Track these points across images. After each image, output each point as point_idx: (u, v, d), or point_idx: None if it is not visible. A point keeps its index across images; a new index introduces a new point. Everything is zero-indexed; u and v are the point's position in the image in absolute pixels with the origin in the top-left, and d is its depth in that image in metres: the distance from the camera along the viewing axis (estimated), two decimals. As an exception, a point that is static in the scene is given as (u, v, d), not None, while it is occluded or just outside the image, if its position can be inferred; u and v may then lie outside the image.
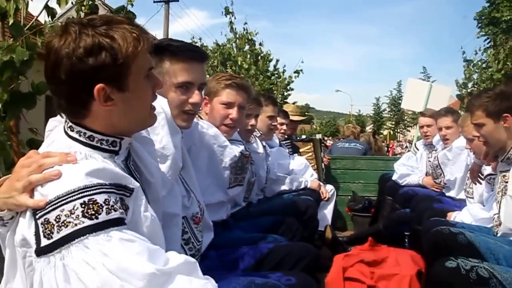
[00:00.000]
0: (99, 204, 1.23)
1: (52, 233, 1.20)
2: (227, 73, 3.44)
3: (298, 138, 7.78)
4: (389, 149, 28.88)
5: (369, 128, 54.36)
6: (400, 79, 58.81)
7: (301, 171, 5.01)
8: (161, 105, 1.86)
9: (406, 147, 29.63)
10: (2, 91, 2.43)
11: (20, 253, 1.29)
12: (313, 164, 5.88)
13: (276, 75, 15.67)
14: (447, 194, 4.92)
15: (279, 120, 5.02)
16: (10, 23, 2.57)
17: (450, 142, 4.82)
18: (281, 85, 14.52)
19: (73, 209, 1.21)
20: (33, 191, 1.30)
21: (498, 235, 2.86)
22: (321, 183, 5.11)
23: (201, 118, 2.78)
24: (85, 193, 1.23)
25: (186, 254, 1.79)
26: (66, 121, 1.46)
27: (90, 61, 1.31)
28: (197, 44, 13.79)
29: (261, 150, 3.80)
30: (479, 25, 30.28)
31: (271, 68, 15.83)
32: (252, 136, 3.71)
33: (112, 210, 1.25)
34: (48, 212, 1.22)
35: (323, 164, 6.27)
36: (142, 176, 1.61)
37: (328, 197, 5.13)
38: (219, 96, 2.88)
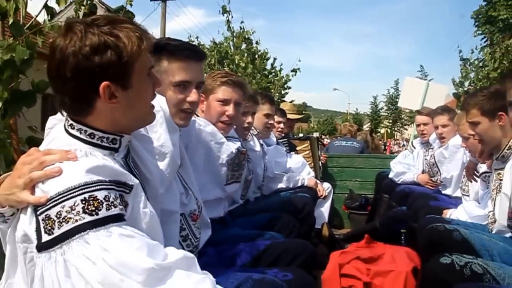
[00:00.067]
0: (99, 201, 1.25)
1: (53, 229, 1.22)
2: (222, 71, 3.46)
3: (295, 136, 7.80)
4: (386, 147, 28.97)
5: (366, 127, 54.42)
6: (398, 78, 58.96)
7: (298, 169, 5.02)
8: (160, 103, 1.87)
9: (403, 145, 29.68)
10: (3, 90, 2.46)
11: (21, 249, 1.31)
12: (310, 162, 5.89)
13: (273, 74, 15.69)
14: (443, 192, 4.94)
15: (276, 118, 5.04)
16: (10, 23, 2.60)
17: (447, 141, 4.84)
18: (279, 83, 14.53)
19: (74, 205, 1.23)
20: (34, 187, 1.32)
21: (493, 232, 2.88)
22: (318, 181, 5.12)
23: (197, 116, 2.81)
24: (86, 190, 1.26)
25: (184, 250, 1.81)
26: (66, 119, 1.48)
27: (96, 59, 1.34)
28: (194, 43, 13.80)
29: (258, 148, 3.82)
30: (476, 23, 30.35)
31: (268, 67, 15.84)
32: (249, 134, 3.73)
33: (112, 207, 1.27)
34: (49, 208, 1.24)
35: (320, 162, 6.28)
36: (141, 173, 1.63)
37: (325, 195, 5.14)
38: (215, 93, 2.90)
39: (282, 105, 6.81)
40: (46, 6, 2.90)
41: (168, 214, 1.88)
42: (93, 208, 1.24)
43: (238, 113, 3.01)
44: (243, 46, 13.97)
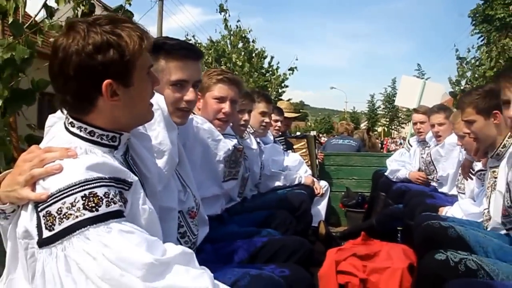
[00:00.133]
0: (99, 197, 1.28)
1: (54, 225, 1.24)
2: (218, 69, 3.49)
3: (293, 135, 7.82)
4: (383, 146, 29.00)
5: (363, 125, 54.45)
6: (395, 76, 59.01)
7: (295, 167, 5.03)
8: (158, 102, 1.90)
9: (400, 143, 29.72)
10: (3, 88, 2.47)
11: (22, 245, 1.33)
12: (307, 160, 5.90)
13: (270, 72, 15.69)
14: (439, 190, 4.97)
15: (274, 117, 5.06)
16: (10, 22, 2.61)
17: (443, 139, 4.87)
18: (276, 82, 14.53)
19: (74, 201, 1.25)
20: (35, 184, 1.34)
21: (488, 229, 2.91)
22: (315, 179, 5.14)
23: (193, 113, 2.83)
24: (86, 186, 1.28)
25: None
26: (66, 117, 1.50)
27: (99, 57, 1.37)
28: (191, 42, 13.81)
29: (254, 146, 3.84)
30: (473, 22, 30.38)
31: (265, 65, 15.85)
32: (246, 132, 3.75)
33: (112, 203, 1.29)
34: (50, 205, 1.26)
35: (317, 161, 6.30)
36: (139, 171, 1.66)
37: (322, 192, 5.16)
38: (211, 91, 2.92)
39: (279, 104, 6.81)
40: (45, 6, 2.92)
41: (166, 211, 1.90)
42: (93, 205, 1.26)
43: (234, 110, 3.04)
44: (240, 44, 13.96)
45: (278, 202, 3.82)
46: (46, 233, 1.25)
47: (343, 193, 6.69)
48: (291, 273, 2.11)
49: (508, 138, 2.87)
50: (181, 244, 2.02)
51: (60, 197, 1.27)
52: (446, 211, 3.61)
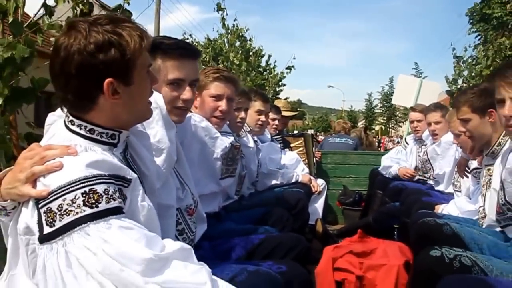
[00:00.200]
0: (99, 194, 1.30)
1: (55, 221, 1.26)
2: (214, 67, 3.51)
3: (290, 133, 7.84)
4: (381, 144, 29.03)
5: (361, 124, 54.43)
6: (392, 75, 58.82)
7: (293, 165, 5.05)
8: (156, 100, 1.92)
9: (398, 142, 29.73)
10: (3, 87, 2.49)
11: (23, 241, 1.35)
12: (304, 159, 5.92)
13: (268, 71, 15.70)
14: (436, 188, 4.99)
15: (271, 115, 5.07)
16: (10, 21, 2.63)
17: (439, 137, 4.91)
18: (273, 80, 14.55)
19: (75, 198, 1.28)
20: (36, 182, 1.36)
21: (484, 226, 2.92)
22: (312, 177, 5.16)
23: (191, 112, 2.85)
24: (86, 183, 1.30)
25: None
26: (66, 115, 1.53)
27: (101, 56, 1.39)
28: (188, 40, 13.81)
29: (251, 144, 3.86)
30: (471, 21, 30.39)
31: (263, 64, 15.85)
32: (243, 130, 3.77)
33: (111, 200, 1.32)
34: (51, 202, 1.28)
35: (314, 159, 6.32)
36: (138, 168, 1.68)
37: (319, 190, 5.19)
38: (208, 89, 2.94)
39: (276, 102, 6.83)
40: (44, 5, 2.94)
41: (165, 208, 1.92)
42: (93, 201, 1.28)
43: (231, 108, 3.06)
44: (237, 43, 13.99)
45: (275, 200, 3.85)
46: (47, 229, 1.27)
47: (340, 191, 6.71)
48: (288, 269, 2.14)
49: (503, 136, 2.89)
50: (179, 241, 2.04)
51: (61, 193, 1.28)
52: (442, 208, 3.63)
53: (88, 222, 1.26)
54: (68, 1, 2.99)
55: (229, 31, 13.94)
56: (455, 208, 3.51)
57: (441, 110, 4.95)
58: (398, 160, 5.83)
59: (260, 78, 14.49)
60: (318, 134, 40.99)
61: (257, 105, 4.27)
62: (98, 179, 1.33)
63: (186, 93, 2.19)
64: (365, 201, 6.22)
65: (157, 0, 22.97)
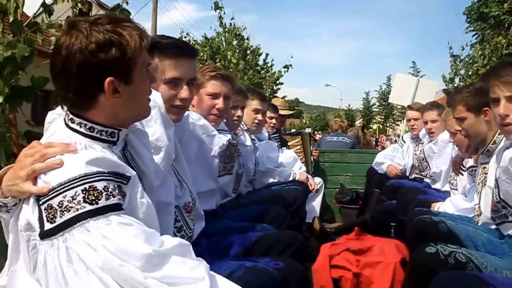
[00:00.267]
0: (99, 191, 1.32)
1: (55, 217, 1.29)
2: (211, 65, 3.53)
3: (287, 132, 7.85)
4: (378, 143, 29.05)
5: (358, 123, 54.41)
6: (390, 74, 58.79)
7: (290, 164, 5.05)
8: (155, 99, 1.93)
9: (395, 141, 29.74)
10: (4, 85, 2.51)
11: (24, 237, 1.37)
12: (301, 157, 5.93)
13: (265, 70, 15.72)
14: (432, 186, 5.01)
15: (268, 114, 5.08)
16: (10, 21, 2.65)
17: (436, 136, 4.92)
18: (270, 79, 14.56)
19: (75, 195, 1.30)
20: (36, 179, 1.38)
21: (479, 224, 2.94)
22: (309, 175, 5.18)
23: (188, 110, 2.87)
24: (86, 180, 1.32)
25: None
26: (66, 114, 1.55)
27: (102, 55, 1.42)
28: (186, 39, 13.82)
29: (248, 143, 3.88)
30: (468, 20, 30.38)
31: (260, 62, 15.87)
32: (240, 129, 3.79)
33: (111, 196, 1.34)
34: (51, 198, 1.30)
35: (312, 158, 6.33)
36: (137, 166, 1.70)
37: (317, 188, 5.20)
38: (204, 87, 2.96)
39: (273, 101, 6.84)
40: (44, 4, 2.96)
41: (163, 206, 1.94)
42: (93, 198, 1.30)
43: (227, 106, 3.09)
44: (235, 42, 14.00)
45: (272, 198, 3.87)
46: (47, 225, 1.29)
47: (337, 189, 6.71)
48: (285, 265, 2.16)
49: (498, 134, 2.91)
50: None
51: (61, 190, 1.31)
52: (438, 206, 3.65)
53: (88, 219, 1.28)
54: (68, 1, 3.01)
55: (226, 30, 13.96)
56: (451, 206, 3.53)
57: (437, 108, 4.97)
58: (392, 157, 5.86)
59: (258, 76, 14.51)
60: (315, 133, 41.00)
61: (254, 103, 4.29)
62: (98, 176, 1.35)
63: (184, 92, 2.21)
64: (362, 200, 6.22)
65: (154, -2, 22.92)
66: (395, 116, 56.52)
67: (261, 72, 15.50)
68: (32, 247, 1.35)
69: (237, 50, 13.74)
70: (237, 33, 13.97)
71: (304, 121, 70.41)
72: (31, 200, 1.35)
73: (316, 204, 5.39)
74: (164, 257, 1.31)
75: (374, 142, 20.81)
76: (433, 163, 5.02)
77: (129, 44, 1.46)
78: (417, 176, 5.48)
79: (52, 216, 1.29)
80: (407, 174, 5.66)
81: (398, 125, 54.53)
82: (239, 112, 3.54)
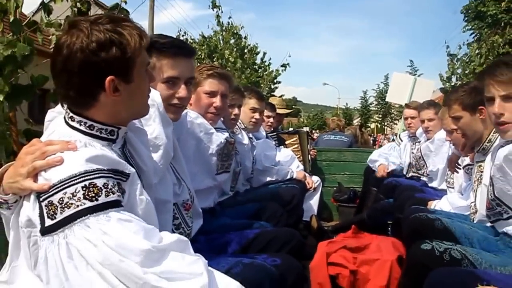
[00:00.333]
0: (98, 187, 1.34)
1: (56, 214, 1.31)
2: (208, 64, 3.55)
3: (285, 130, 7.85)
4: (376, 142, 29.07)
5: (356, 121, 54.36)
6: (387, 73, 58.72)
7: (287, 162, 5.06)
8: (154, 97, 1.95)
9: (393, 139, 29.73)
10: (4, 84, 2.53)
11: (25, 233, 1.39)
12: (299, 156, 5.94)
13: (262, 68, 15.72)
14: (429, 184, 5.03)
15: (266, 113, 5.09)
16: (11, 20, 2.67)
17: (433, 134, 4.94)
18: (268, 78, 14.56)
19: (75, 191, 1.32)
20: (37, 176, 1.40)
21: (475, 221, 2.96)
22: (307, 174, 5.20)
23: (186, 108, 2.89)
24: (86, 177, 1.34)
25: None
26: (66, 112, 1.57)
27: (103, 54, 1.44)
28: (183, 38, 13.83)
29: (246, 141, 3.90)
30: (466, 19, 30.37)
31: (258, 61, 15.87)
32: (237, 127, 3.81)
33: (111, 193, 1.36)
34: (52, 195, 1.33)
35: (309, 156, 6.35)
36: (136, 164, 1.72)
37: (314, 187, 5.22)
38: (202, 86, 2.98)
39: (271, 100, 6.85)
40: (43, 3, 2.98)
41: (162, 203, 1.96)
42: (93, 195, 1.33)
43: (225, 104, 3.11)
44: (232, 41, 14.00)
45: (270, 196, 3.89)
46: (48, 222, 1.31)
47: (335, 188, 6.73)
48: (282, 262, 2.18)
49: (493, 133, 2.93)
50: (175, 234, 2.08)
51: (62, 187, 1.33)
52: (435, 204, 3.68)
53: (88, 215, 1.31)
54: (67, 0, 3.03)
55: (223, 29, 13.96)
56: (447, 204, 3.55)
57: (434, 107, 4.99)
58: (388, 155, 5.88)
59: (255, 75, 14.50)
60: (313, 131, 40.99)
61: (251, 102, 4.31)
62: (98, 173, 1.37)
63: (181, 91, 2.23)
64: (359, 198, 6.25)
65: (151, -4, 22.86)
66: (393, 115, 56.46)
67: (259, 71, 15.49)
68: (33, 243, 1.38)
69: (235, 49, 13.74)
70: (235, 32, 13.97)
71: (302, 120, 70.38)
72: (32, 197, 1.38)
73: (313, 202, 5.40)
74: (163, 253, 1.34)
75: (371, 141, 20.83)
76: (430, 162, 5.04)
77: (129, 43, 1.48)
78: (414, 174, 5.49)
79: (52, 213, 1.31)
80: (404, 173, 5.68)
81: (396, 124, 54.52)
82: (236, 110, 3.56)
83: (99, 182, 1.35)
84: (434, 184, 4.95)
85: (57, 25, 2.94)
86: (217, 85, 2.99)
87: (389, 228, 4.67)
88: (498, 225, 2.61)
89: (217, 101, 2.98)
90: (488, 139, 2.98)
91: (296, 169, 4.97)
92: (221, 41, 14.10)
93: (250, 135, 4.23)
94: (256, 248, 2.51)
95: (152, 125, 1.99)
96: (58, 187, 1.33)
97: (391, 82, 9.09)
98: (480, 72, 3.12)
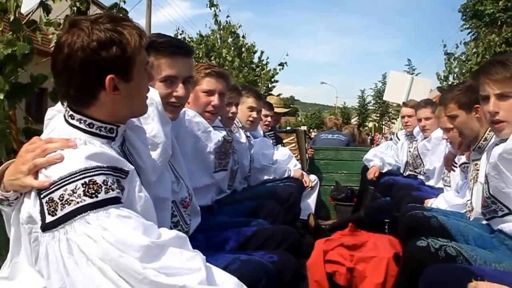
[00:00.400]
0: (98, 184, 1.36)
1: (56, 210, 1.33)
2: (205, 63, 3.57)
3: (283, 129, 7.86)
4: (373, 141, 29.09)
5: (354, 121, 54.35)
6: (385, 72, 58.74)
7: (285, 161, 5.08)
8: (153, 96, 1.97)
9: (391, 139, 29.73)
10: (4, 82, 2.55)
11: (26, 229, 1.42)
12: (296, 154, 5.95)
13: (260, 67, 15.73)
14: (426, 183, 5.05)
15: (263, 112, 5.10)
16: (11, 20, 2.69)
17: (429, 133, 4.97)
18: (265, 77, 14.58)
19: (75, 188, 1.34)
20: (37, 173, 1.43)
21: (471, 219, 2.98)
22: (304, 172, 5.21)
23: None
24: (86, 174, 1.36)
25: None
26: (66, 110, 1.59)
27: (103, 53, 1.46)
28: (181, 37, 13.84)
29: (243, 140, 3.92)
30: (463, 17, 30.37)
31: (255, 60, 15.88)
32: (235, 126, 3.83)
33: (110, 190, 1.38)
34: (52, 192, 1.35)
35: (307, 155, 6.37)
36: (135, 161, 1.74)
37: (312, 186, 5.24)
38: (200, 85, 3.00)
39: (269, 99, 6.86)
40: (42, 3, 3.00)
41: (160, 201, 1.97)
42: (93, 191, 1.35)
43: (223, 103, 3.13)
44: (230, 39, 14.02)
45: (267, 194, 3.91)
46: (49, 218, 1.33)
47: (332, 187, 6.73)
48: (279, 258, 2.21)
49: (489, 131, 2.94)
50: (174, 231, 2.10)
51: (62, 184, 1.35)
52: (431, 202, 3.70)
53: (88, 211, 1.33)
54: (66, 0, 3.05)
55: (221, 28, 13.98)
56: (443, 202, 3.58)
57: (431, 106, 5.00)
58: (384, 155, 5.89)
59: (253, 74, 14.53)
60: (311, 130, 40.96)
61: (249, 101, 4.33)
62: (97, 171, 1.39)
63: (179, 90, 2.25)
64: (357, 197, 6.27)
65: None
66: (390, 114, 56.47)
67: (256, 70, 15.52)
68: (34, 239, 1.40)
69: (232, 48, 13.76)
70: (232, 30, 13.99)
71: (300, 119, 70.33)
72: (33, 193, 1.40)
73: (311, 201, 5.42)
74: (162, 249, 1.36)
75: (369, 140, 20.85)
76: (426, 160, 5.07)
77: (129, 42, 1.50)
78: (411, 173, 5.52)
79: (53, 209, 1.33)
80: (401, 171, 5.70)
81: (394, 123, 54.54)
82: (233, 109, 3.58)
83: (99, 179, 1.37)
84: (431, 182, 4.98)
85: (56, 24, 2.96)
86: (215, 83, 3.01)
87: (386, 227, 4.70)
88: (493, 223, 2.63)
89: (215, 99, 3.00)
90: (484, 137, 3.00)
91: (293, 167, 4.99)
92: (219, 40, 14.12)
93: (248, 134, 4.25)
94: (253, 245, 2.53)
95: (151, 124, 2.00)
96: (58, 184, 1.35)
97: (389, 81, 9.11)
98: (475, 71, 3.13)
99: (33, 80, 2.74)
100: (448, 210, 3.35)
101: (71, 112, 1.56)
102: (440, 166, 4.71)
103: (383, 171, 5.74)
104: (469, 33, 29.28)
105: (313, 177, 5.50)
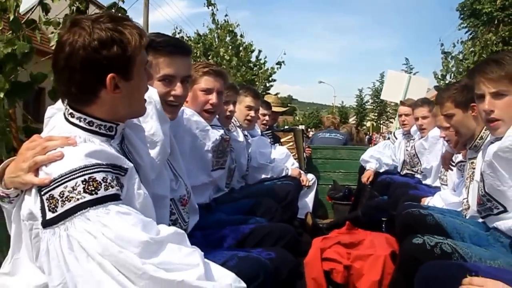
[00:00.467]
0: (98, 182, 1.39)
1: (57, 207, 1.35)
2: (203, 62, 3.57)
3: (280, 128, 7.86)
4: (371, 140, 29.12)
5: (352, 120, 54.36)
6: (383, 71, 58.77)
7: (282, 160, 5.09)
8: (151, 95, 1.98)
9: (389, 138, 29.74)
10: (4, 81, 2.57)
11: (27, 226, 1.44)
12: (294, 154, 5.96)
13: (258, 66, 15.73)
14: (423, 182, 5.06)
15: (261, 111, 5.10)
16: (11, 19, 2.71)
17: (427, 132, 4.98)
18: (263, 76, 14.57)
19: (75, 185, 1.36)
20: (38, 170, 1.45)
21: (467, 217, 3.00)
22: (302, 171, 5.23)
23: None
24: (86, 172, 1.39)
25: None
26: (66, 108, 1.61)
27: (104, 52, 1.48)
28: (179, 36, 13.84)
29: (241, 138, 3.93)
30: (461, 16, 30.41)
31: (253, 59, 15.88)
32: (232, 125, 3.84)
33: (110, 187, 1.41)
34: (53, 189, 1.37)
35: (304, 154, 6.38)
36: (134, 159, 1.76)
37: (309, 185, 5.26)
38: (198, 83, 3.01)
39: (266, 98, 6.85)
40: (41, 2, 3.02)
41: (159, 199, 1.99)
42: (93, 188, 1.37)
43: (221, 101, 3.15)
44: (227, 38, 14.03)
45: (264, 192, 3.92)
46: (49, 215, 1.36)
47: (330, 186, 6.76)
48: (277, 256, 2.22)
49: (485, 130, 2.96)
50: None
51: (62, 181, 1.37)
52: (428, 201, 3.72)
53: (88, 208, 1.35)
54: (66, -1, 3.07)
55: (219, 27, 13.99)
56: (440, 200, 3.60)
57: (428, 105, 5.01)
58: (381, 155, 5.91)
59: (250, 73, 14.53)
60: (309, 129, 40.96)
61: (247, 100, 4.34)
62: (97, 168, 1.41)
63: (177, 89, 2.26)
64: (354, 196, 6.27)
65: (146, -6, 22.78)
66: (388, 113, 56.52)
67: (254, 69, 15.51)
68: (35, 235, 1.42)
69: (230, 47, 13.77)
70: (230, 29, 14.00)
71: (297, 118, 70.25)
72: (33, 191, 1.42)
73: (309, 200, 5.43)
74: (161, 244, 1.38)
75: (367, 140, 20.87)
76: (424, 159, 5.08)
77: (129, 42, 1.52)
78: (408, 172, 5.54)
79: (53, 206, 1.35)
80: (399, 170, 5.72)
81: (392, 122, 54.56)
82: (231, 107, 3.59)
83: (99, 176, 1.39)
84: (428, 181, 4.99)
85: (55, 23, 2.98)
86: (213, 82, 3.03)
87: (383, 225, 4.71)
88: (488, 220, 2.65)
89: (213, 98, 3.01)
90: (480, 136, 3.01)
91: (291, 166, 5.00)
92: (216, 39, 14.12)
93: (245, 133, 4.26)
94: (251, 242, 2.55)
95: (150, 122, 2.01)
96: (58, 181, 1.37)
97: (386, 80, 9.14)
98: (470, 70, 3.14)
99: (33, 78, 2.76)
100: (444, 208, 3.37)
101: (71, 111, 1.58)
102: (437, 165, 4.74)
103: (381, 170, 5.75)
104: (466, 32, 29.36)
105: (310, 176, 5.51)
